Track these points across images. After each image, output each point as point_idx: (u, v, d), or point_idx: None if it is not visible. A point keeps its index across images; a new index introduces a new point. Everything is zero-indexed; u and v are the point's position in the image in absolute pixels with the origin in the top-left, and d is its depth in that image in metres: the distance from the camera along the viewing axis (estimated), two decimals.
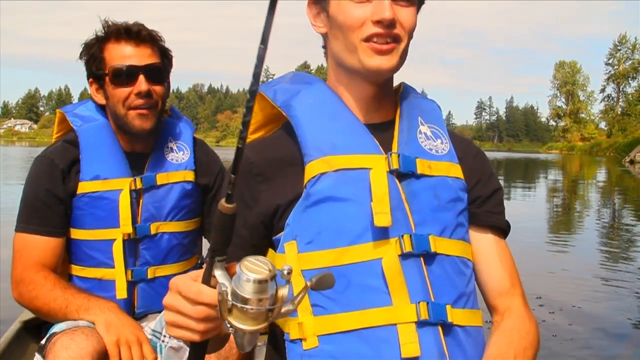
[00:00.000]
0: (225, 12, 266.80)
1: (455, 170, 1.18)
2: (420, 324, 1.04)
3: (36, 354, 1.57)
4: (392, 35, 1.10)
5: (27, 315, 2.02)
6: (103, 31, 1.77)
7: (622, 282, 5.40)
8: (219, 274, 0.83)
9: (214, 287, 0.84)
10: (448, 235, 1.12)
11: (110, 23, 1.77)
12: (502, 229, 1.24)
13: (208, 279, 0.86)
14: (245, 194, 1.15)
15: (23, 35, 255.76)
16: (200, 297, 0.85)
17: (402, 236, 1.07)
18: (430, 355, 1.03)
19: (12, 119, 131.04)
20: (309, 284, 0.87)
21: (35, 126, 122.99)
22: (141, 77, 1.71)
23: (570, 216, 11.34)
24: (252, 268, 0.78)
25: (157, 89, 1.76)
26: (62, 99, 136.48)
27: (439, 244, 1.10)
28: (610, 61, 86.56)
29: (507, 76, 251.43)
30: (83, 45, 1.79)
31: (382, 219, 1.05)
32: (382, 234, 1.06)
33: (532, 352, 1.11)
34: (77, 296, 1.63)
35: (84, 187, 1.75)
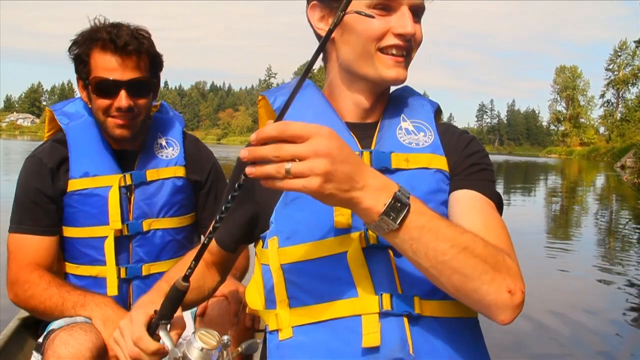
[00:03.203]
0: (228, 9, 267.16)
1: (437, 161, 1.18)
2: (384, 314, 1.05)
3: (34, 352, 1.58)
4: (408, 48, 1.16)
5: (25, 313, 2.02)
6: (91, 32, 1.73)
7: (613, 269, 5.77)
8: (162, 334, 1.03)
9: (157, 340, 1.08)
10: None
11: (99, 24, 1.74)
12: (483, 193, 1.15)
13: (152, 333, 1.08)
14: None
15: (26, 29, 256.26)
16: (139, 343, 1.08)
17: (368, 230, 1.08)
18: (391, 345, 1.04)
19: (15, 112, 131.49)
20: (239, 349, 1.11)
21: (37, 120, 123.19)
22: (123, 93, 1.70)
23: (553, 211, 11.94)
24: (204, 339, 0.97)
25: (140, 102, 1.74)
26: (64, 93, 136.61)
27: None
28: (611, 67, 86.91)
29: (509, 79, 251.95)
30: (71, 42, 1.77)
31: (341, 220, 1.09)
32: (346, 229, 1.10)
33: (472, 248, 0.96)
34: (72, 293, 1.63)
35: (73, 184, 1.75)
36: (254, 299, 1.22)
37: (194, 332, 0.97)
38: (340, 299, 1.07)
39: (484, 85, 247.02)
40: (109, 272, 1.75)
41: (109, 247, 1.75)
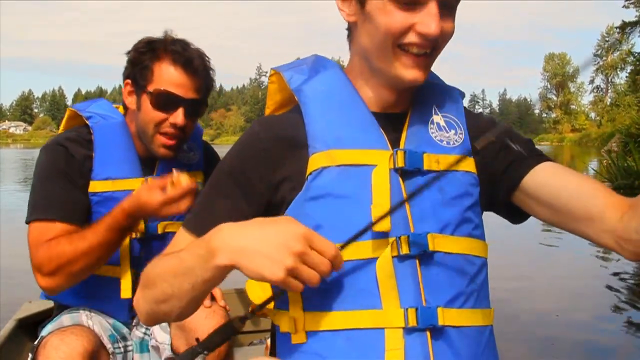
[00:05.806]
0: (219, 10, 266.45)
1: (466, 163, 1.13)
2: (408, 330, 1.02)
3: (29, 354, 1.58)
4: (431, 46, 1.08)
5: (22, 313, 2.08)
6: (162, 43, 1.71)
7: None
8: None
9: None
10: (450, 232, 1.08)
11: (172, 38, 1.73)
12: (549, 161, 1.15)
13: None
14: (249, 168, 1.11)
15: (14, 37, 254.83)
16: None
17: (400, 238, 1.04)
18: None
19: (7, 121, 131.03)
20: None
21: (29, 128, 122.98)
22: (180, 110, 1.68)
23: None
24: None
25: (192, 122, 1.75)
26: (56, 100, 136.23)
27: (438, 242, 1.06)
28: (599, 52, 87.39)
29: (500, 69, 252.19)
30: (136, 43, 1.74)
31: (381, 225, 1.02)
32: (379, 234, 1.04)
33: None
34: (95, 227, 1.58)
35: (95, 186, 1.71)
36: (259, 296, 1.14)
37: None
38: (361, 309, 1.02)
39: (475, 76, 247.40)
40: (123, 274, 1.73)
41: (125, 249, 1.73)
